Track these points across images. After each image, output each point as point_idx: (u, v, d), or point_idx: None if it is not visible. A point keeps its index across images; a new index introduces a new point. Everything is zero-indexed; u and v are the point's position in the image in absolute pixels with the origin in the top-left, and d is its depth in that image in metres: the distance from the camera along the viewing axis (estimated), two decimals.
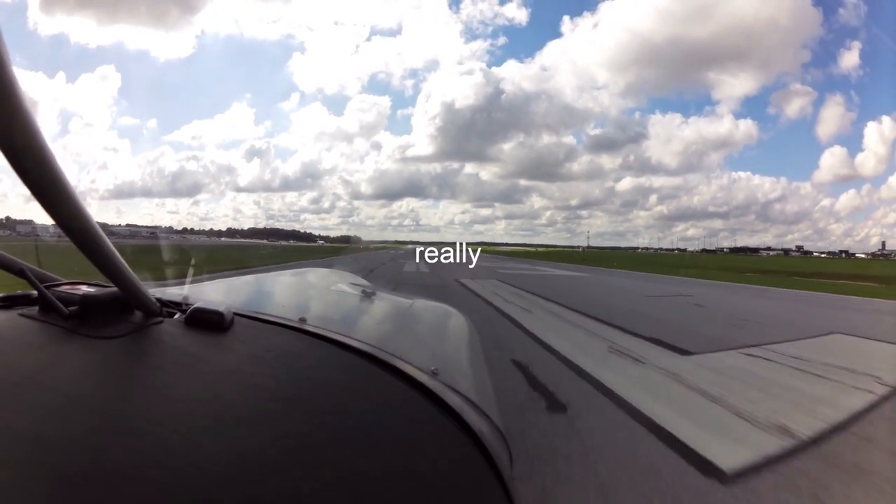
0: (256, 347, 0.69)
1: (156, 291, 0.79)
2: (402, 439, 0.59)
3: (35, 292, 0.70)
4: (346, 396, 0.63)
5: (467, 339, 1.24)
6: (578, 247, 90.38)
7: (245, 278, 1.45)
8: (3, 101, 0.38)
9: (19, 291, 0.78)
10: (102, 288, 0.72)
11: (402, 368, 0.71)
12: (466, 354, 1.11)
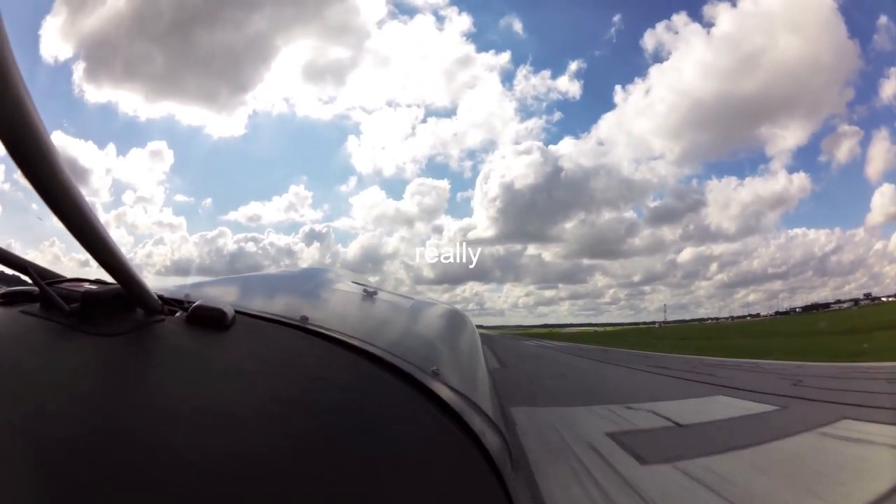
0: (258, 346, 0.70)
1: (158, 289, 0.78)
2: (402, 439, 0.59)
3: (37, 289, 0.70)
4: (346, 395, 0.64)
5: (468, 338, 1.25)
6: (654, 322, 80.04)
7: (247, 277, 1.47)
8: (8, 105, 0.39)
9: (21, 288, 0.77)
10: (104, 285, 0.72)
11: (403, 367, 0.72)
12: (467, 354, 1.12)
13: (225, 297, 0.92)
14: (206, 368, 0.61)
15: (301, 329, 0.77)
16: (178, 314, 0.72)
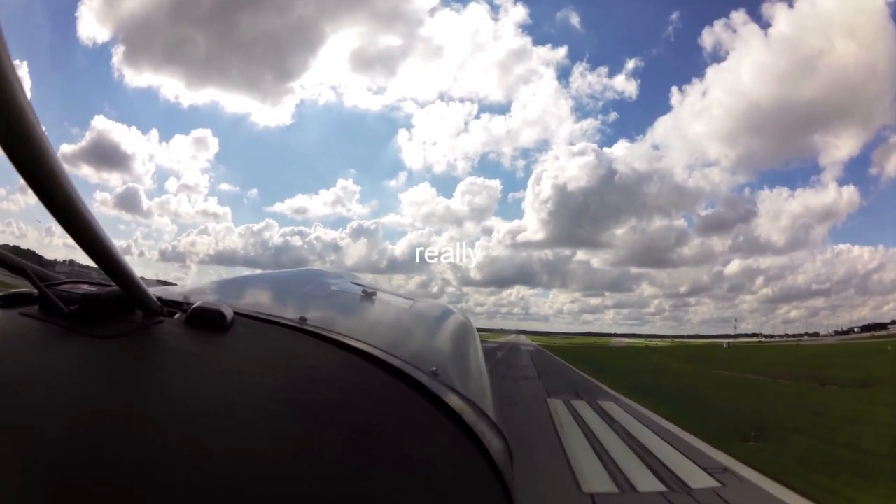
0: (257, 347, 0.70)
1: (157, 291, 0.80)
2: (402, 440, 0.60)
3: (36, 291, 0.71)
4: (346, 396, 0.64)
5: (467, 339, 1.20)
6: (724, 342, 64.41)
7: (246, 278, 1.42)
8: (6, 108, 0.41)
9: (20, 290, 0.78)
10: (103, 287, 0.72)
11: (402, 368, 0.72)
12: (467, 354, 1.09)
13: (224, 298, 0.91)
14: (205, 370, 0.62)
15: (300, 330, 0.78)
16: (177, 316, 0.73)
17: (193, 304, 0.72)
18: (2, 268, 0.74)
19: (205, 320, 0.69)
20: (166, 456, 0.45)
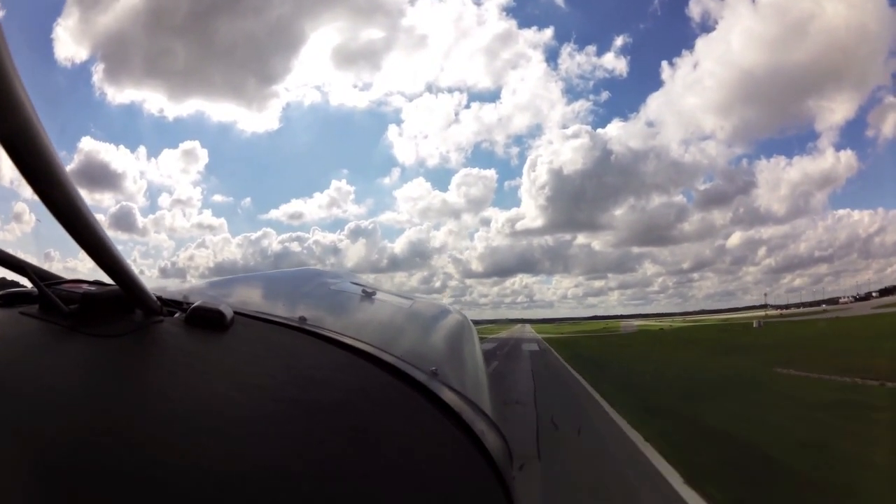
0: (256, 346, 0.71)
1: (156, 290, 0.79)
2: (402, 439, 0.61)
3: (36, 290, 0.71)
4: (345, 396, 0.65)
5: (466, 338, 1.22)
6: (756, 320, 55.80)
7: (245, 277, 1.45)
8: (6, 107, 0.41)
9: (20, 289, 0.79)
10: (103, 286, 0.73)
11: (402, 368, 0.73)
12: (465, 354, 1.11)
13: (223, 297, 0.92)
14: (204, 369, 0.62)
15: (300, 329, 0.78)
16: (176, 315, 0.73)
17: (193, 303, 0.72)
18: (2, 266, 0.73)
19: (204, 320, 0.69)
20: (166, 455, 0.45)
